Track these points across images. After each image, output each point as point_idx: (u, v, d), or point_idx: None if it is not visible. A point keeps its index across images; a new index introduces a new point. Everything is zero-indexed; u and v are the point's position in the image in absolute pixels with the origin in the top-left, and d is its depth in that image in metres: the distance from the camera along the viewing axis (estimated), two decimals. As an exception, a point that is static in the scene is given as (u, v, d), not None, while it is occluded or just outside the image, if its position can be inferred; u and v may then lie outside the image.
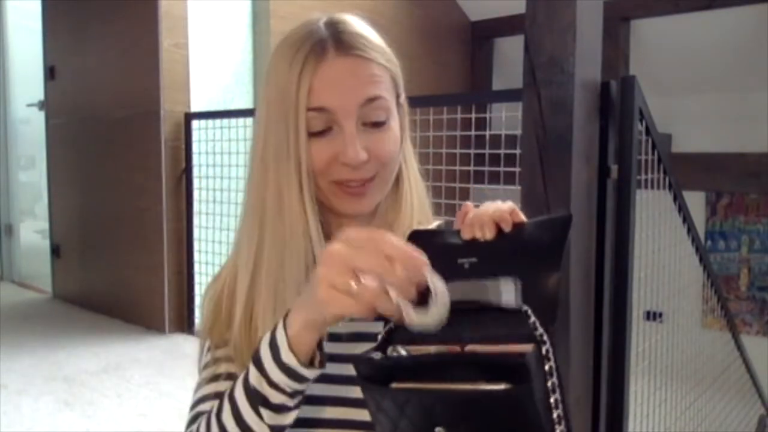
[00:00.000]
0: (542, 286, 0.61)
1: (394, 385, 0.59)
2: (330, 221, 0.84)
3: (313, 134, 0.77)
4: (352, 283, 0.59)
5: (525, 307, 0.60)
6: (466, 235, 0.68)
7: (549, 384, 0.58)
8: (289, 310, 0.67)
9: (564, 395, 0.59)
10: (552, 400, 0.58)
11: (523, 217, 0.68)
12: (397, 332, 0.63)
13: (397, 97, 0.83)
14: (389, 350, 0.62)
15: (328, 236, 0.81)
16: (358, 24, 0.82)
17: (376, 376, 0.60)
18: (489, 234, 0.67)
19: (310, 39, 0.78)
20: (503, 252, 0.64)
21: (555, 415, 0.58)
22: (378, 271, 0.59)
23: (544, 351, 0.59)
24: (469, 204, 0.73)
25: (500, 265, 0.62)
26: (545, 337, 0.59)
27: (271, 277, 0.76)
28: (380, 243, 0.60)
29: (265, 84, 0.80)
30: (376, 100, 0.78)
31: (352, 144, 0.76)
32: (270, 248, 0.77)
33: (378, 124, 0.79)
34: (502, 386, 0.55)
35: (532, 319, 0.60)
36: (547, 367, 0.59)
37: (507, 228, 0.67)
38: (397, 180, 0.85)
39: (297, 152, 0.76)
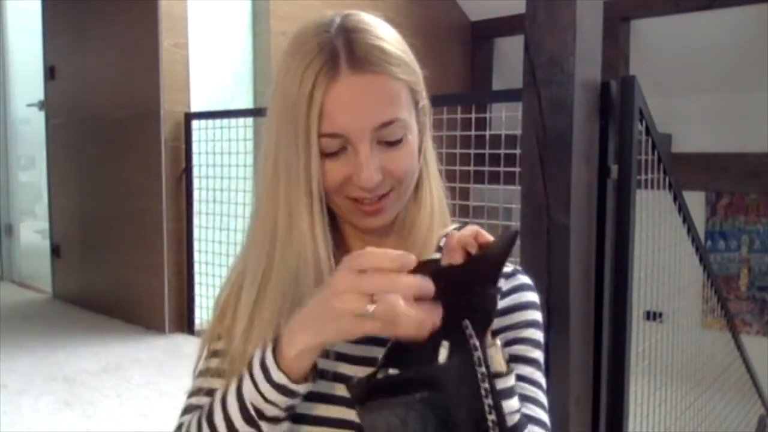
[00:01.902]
0: (484, 301, 0.66)
1: (368, 403, 0.64)
2: (348, 232, 0.84)
3: (327, 155, 0.74)
4: (369, 307, 0.61)
5: (465, 321, 0.64)
6: (444, 261, 0.69)
7: (482, 390, 0.62)
8: (282, 329, 0.69)
9: (498, 401, 0.63)
10: (486, 405, 0.62)
11: (488, 237, 0.69)
12: (395, 353, 0.66)
13: (416, 103, 0.78)
14: (381, 372, 0.65)
15: (346, 246, 0.83)
16: (374, 29, 0.75)
17: (367, 396, 0.64)
18: (459, 259, 0.68)
19: (323, 52, 0.72)
20: (467, 274, 0.67)
21: (489, 421, 0.62)
22: (387, 289, 0.61)
23: (476, 358, 0.63)
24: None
25: (463, 287, 0.66)
26: (478, 345, 0.63)
27: (276, 303, 0.75)
28: (382, 260, 0.62)
29: (274, 92, 0.76)
30: (391, 123, 0.74)
31: (367, 168, 0.73)
32: (278, 273, 0.75)
33: (393, 143, 0.75)
34: (424, 394, 0.61)
35: (470, 330, 0.64)
36: (479, 374, 0.62)
37: (473, 250, 0.68)
38: (417, 184, 0.82)
39: (308, 177, 0.73)
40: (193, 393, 0.83)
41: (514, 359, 0.80)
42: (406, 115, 0.76)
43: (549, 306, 1.73)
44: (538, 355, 0.84)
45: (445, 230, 0.86)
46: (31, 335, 3.57)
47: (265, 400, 0.69)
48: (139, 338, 3.57)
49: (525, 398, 0.79)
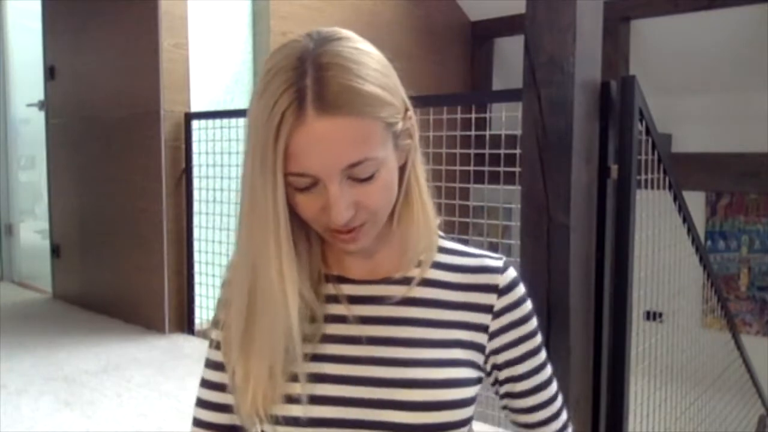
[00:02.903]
0: None
1: None
2: (338, 248, 0.84)
3: (299, 189, 0.75)
4: None
5: None
6: None
7: None
8: None
9: None
10: None
11: None
12: None
13: (395, 133, 0.76)
14: None
15: (339, 264, 0.86)
16: (349, 65, 0.71)
17: None
18: None
19: (291, 89, 0.70)
20: None
21: None
22: None
23: None
24: None
25: None
26: None
27: (264, 343, 0.77)
28: None
29: (248, 122, 0.76)
30: (360, 164, 0.72)
31: (336, 206, 0.73)
32: (260, 316, 0.77)
33: (365, 180, 0.74)
34: None
35: None
36: None
37: None
38: (407, 200, 0.81)
39: (276, 217, 0.74)
40: (197, 404, 0.90)
41: (527, 355, 0.87)
42: (380, 152, 0.73)
43: (549, 306, 1.73)
44: (539, 338, 0.90)
45: (430, 253, 0.86)
46: (31, 335, 3.57)
47: None
48: (139, 338, 3.57)
49: (548, 382, 0.89)
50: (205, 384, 0.89)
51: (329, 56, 0.71)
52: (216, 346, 0.87)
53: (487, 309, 0.84)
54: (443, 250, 0.87)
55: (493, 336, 0.84)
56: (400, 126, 0.77)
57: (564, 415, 0.92)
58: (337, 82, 0.70)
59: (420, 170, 0.83)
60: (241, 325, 0.78)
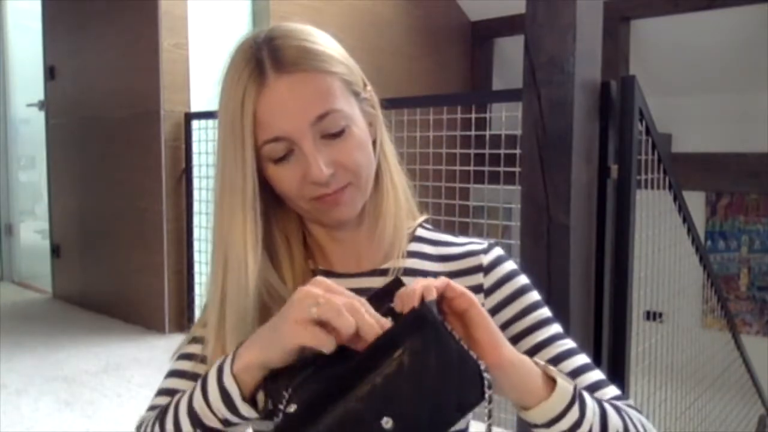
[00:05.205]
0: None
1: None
2: (319, 235, 0.85)
3: (277, 161, 0.76)
4: (312, 309, 0.63)
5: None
6: (398, 304, 0.66)
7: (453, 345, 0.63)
8: (240, 343, 0.70)
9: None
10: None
11: (458, 291, 0.67)
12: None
13: (356, 94, 0.79)
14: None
15: (321, 252, 0.85)
16: (299, 33, 0.77)
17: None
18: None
19: (249, 63, 0.75)
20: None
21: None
22: (333, 296, 0.64)
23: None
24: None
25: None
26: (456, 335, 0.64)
27: (232, 328, 0.77)
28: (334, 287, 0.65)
29: (219, 111, 0.79)
30: (327, 115, 0.75)
31: (315, 163, 0.74)
32: (230, 294, 0.77)
33: (337, 134, 0.76)
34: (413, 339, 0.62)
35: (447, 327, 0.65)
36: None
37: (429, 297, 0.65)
38: (377, 175, 0.82)
39: (244, 187, 0.76)
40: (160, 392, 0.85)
41: (534, 327, 0.82)
42: (344, 105, 0.76)
43: (549, 306, 1.73)
44: (546, 311, 0.85)
45: (415, 222, 0.88)
46: (31, 335, 3.57)
47: (209, 405, 0.69)
48: (139, 338, 3.57)
49: (569, 353, 0.81)
50: (174, 374, 0.85)
51: (280, 31, 0.77)
52: (192, 340, 0.85)
53: (477, 289, 0.83)
54: (430, 242, 0.87)
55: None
56: (360, 92, 0.80)
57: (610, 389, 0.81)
58: (290, 45, 0.75)
59: (389, 149, 0.85)
60: (217, 302, 0.77)
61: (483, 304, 0.79)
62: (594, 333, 1.84)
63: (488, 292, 0.84)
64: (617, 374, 1.89)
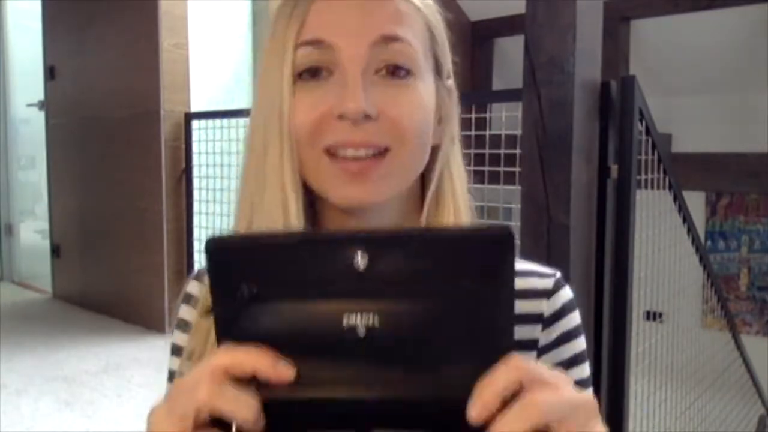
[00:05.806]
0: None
1: None
2: (326, 219, 0.62)
3: (301, 77, 0.57)
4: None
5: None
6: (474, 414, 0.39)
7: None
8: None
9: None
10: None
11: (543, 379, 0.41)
12: None
13: (438, 67, 0.61)
14: None
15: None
16: None
17: None
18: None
19: None
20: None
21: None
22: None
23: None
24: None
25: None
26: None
27: None
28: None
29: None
30: (396, 41, 0.56)
31: (355, 89, 0.54)
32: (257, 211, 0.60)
33: (397, 72, 0.56)
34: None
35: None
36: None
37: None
38: (439, 180, 0.62)
39: (281, 105, 0.57)
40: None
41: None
42: (418, 45, 0.58)
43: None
44: (587, 367, 0.67)
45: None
46: (31, 335, 3.57)
47: None
48: (139, 338, 3.57)
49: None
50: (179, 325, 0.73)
51: None
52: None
53: (530, 345, 0.64)
54: None
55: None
56: (442, 69, 0.62)
57: None
58: None
59: (457, 149, 0.64)
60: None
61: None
62: (594, 333, 1.84)
63: (543, 350, 0.64)
64: (617, 374, 1.89)
